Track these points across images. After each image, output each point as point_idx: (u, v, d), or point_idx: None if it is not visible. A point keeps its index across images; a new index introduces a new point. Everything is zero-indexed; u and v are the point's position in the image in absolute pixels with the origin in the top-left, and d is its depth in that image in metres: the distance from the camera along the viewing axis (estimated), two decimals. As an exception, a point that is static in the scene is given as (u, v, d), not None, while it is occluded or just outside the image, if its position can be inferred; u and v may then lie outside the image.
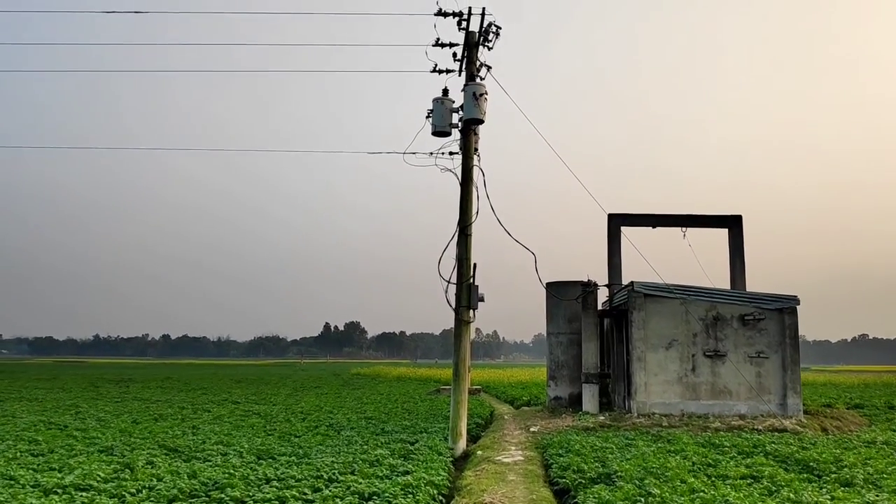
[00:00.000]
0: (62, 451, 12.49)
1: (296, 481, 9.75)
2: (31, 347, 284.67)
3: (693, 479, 9.77)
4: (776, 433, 15.91)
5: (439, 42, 15.81)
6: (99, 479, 9.70)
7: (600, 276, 22.29)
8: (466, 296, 14.99)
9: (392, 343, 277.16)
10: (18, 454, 11.99)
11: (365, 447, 13.30)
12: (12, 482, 9.55)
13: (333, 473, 10.34)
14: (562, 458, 11.97)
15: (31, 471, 10.46)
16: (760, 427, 16.63)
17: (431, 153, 15.83)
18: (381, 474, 10.38)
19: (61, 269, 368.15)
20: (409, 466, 11.09)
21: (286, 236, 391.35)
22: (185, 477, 10.00)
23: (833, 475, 10.33)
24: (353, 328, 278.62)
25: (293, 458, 12.07)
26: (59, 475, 10.03)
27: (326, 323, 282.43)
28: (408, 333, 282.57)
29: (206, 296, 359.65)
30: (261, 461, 11.73)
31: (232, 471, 10.48)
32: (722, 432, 15.89)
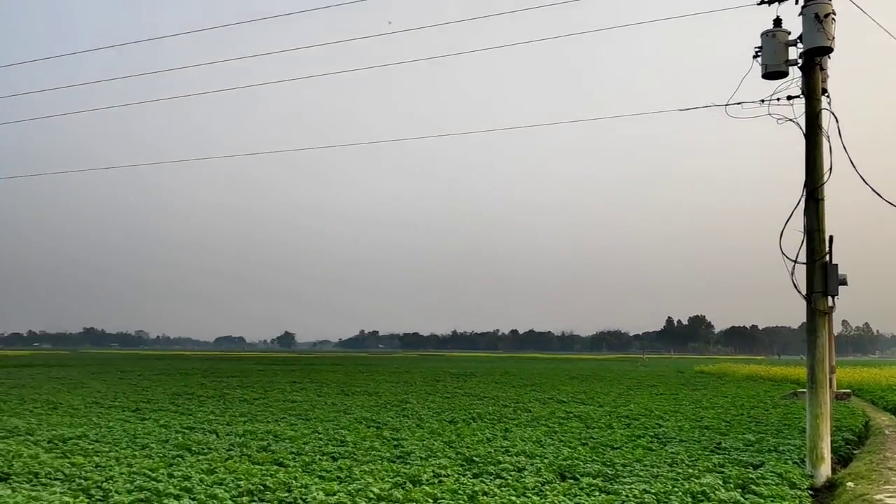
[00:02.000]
0: (360, 455, 11.95)
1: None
2: (401, 342, 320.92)
3: None
4: None
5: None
6: (371, 496, 8.64)
7: None
8: (821, 279, 11.50)
9: (743, 338, 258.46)
10: (318, 458, 11.65)
11: (690, 470, 10.68)
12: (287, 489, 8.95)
13: (639, 510, 8.06)
14: None
15: (317, 478, 9.87)
16: None
17: (763, 100, 12.55)
18: (704, 516, 7.84)
19: (430, 272, 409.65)
20: (747, 505, 8.33)
21: (623, 229, 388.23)
22: (462, 503, 8.51)
23: None
24: (699, 322, 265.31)
25: (598, 479, 10.00)
26: (338, 486, 9.23)
27: (669, 317, 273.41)
28: (760, 327, 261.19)
29: (552, 292, 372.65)
30: (559, 482, 9.86)
31: (519, 497, 8.75)
32: None
